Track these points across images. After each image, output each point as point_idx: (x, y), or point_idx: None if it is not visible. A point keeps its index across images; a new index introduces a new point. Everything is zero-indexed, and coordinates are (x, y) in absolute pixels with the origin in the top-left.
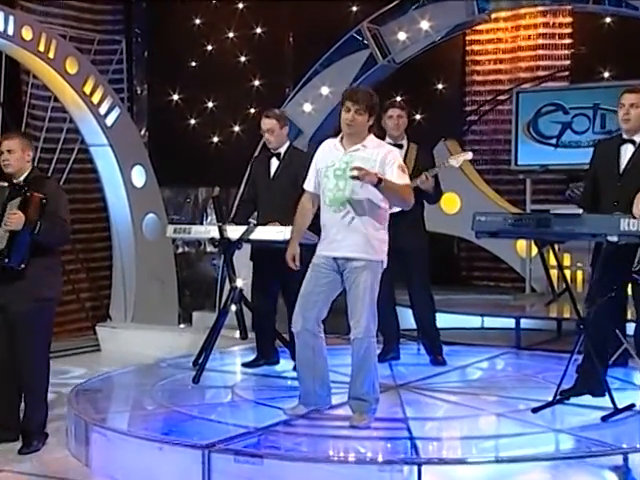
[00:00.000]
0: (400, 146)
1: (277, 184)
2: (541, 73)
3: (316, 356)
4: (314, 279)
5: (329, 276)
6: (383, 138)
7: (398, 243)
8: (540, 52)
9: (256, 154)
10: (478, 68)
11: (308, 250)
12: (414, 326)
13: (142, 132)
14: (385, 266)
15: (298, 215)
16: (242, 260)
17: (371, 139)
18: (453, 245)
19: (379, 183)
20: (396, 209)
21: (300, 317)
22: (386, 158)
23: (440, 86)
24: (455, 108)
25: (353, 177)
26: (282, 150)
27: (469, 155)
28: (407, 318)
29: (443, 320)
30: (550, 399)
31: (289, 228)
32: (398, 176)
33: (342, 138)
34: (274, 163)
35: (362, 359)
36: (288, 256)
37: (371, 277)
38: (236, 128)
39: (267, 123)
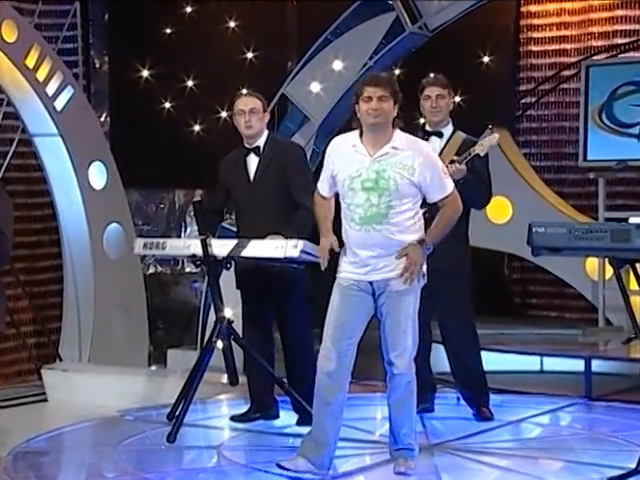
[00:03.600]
0: (439, 134)
1: (260, 188)
2: (619, 40)
3: (342, 400)
4: (347, 305)
5: (363, 300)
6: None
7: (432, 262)
8: (619, 12)
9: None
10: (536, 35)
11: (311, 268)
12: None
13: (102, 118)
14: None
15: (319, 209)
16: (231, 283)
17: (399, 135)
18: (503, 264)
19: (428, 250)
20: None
21: (335, 354)
22: (428, 165)
23: (486, 59)
24: (505, 87)
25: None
26: (261, 143)
27: (494, 138)
28: (442, 357)
29: (490, 362)
30: (632, 466)
31: (291, 242)
32: (442, 184)
33: (361, 136)
34: (253, 161)
35: (405, 398)
36: (324, 248)
37: (414, 301)
38: (223, 114)
39: (248, 102)
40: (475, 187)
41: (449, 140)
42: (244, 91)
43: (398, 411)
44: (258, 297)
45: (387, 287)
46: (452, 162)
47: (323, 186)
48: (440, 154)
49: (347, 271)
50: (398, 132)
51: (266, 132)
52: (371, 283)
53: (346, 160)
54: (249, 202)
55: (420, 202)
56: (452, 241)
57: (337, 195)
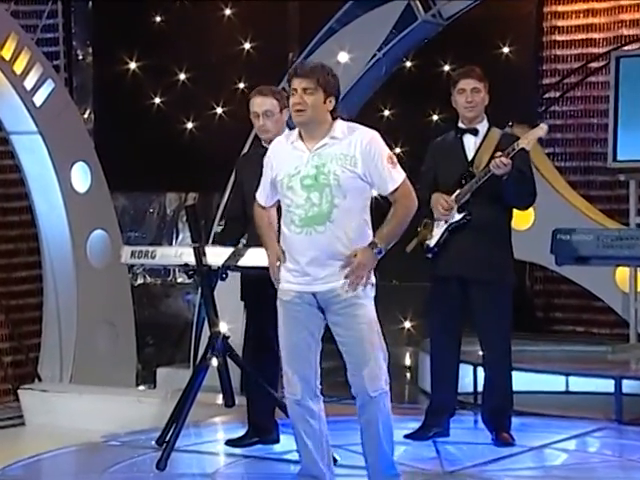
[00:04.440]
0: (474, 131)
1: None
2: None
3: (322, 424)
4: (293, 323)
5: (310, 314)
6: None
7: (469, 271)
8: None
9: (245, 151)
10: (561, 23)
11: None
12: (469, 388)
13: (86, 115)
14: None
15: (259, 219)
16: (227, 295)
17: (339, 125)
18: (524, 275)
19: (378, 249)
20: (457, 216)
21: (297, 379)
22: (369, 151)
23: (506, 50)
24: (527, 80)
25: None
26: None
27: (543, 130)
28: (460, 377)
29: (514, 381)
30: None
31: None
32: (390, 174)
33: (300, 133)
34: None
35: (383, 422)
36: (274, 263)
37: (370, 308)
38: (219, 110)
39: (262, 103)
40: (520, 185)
41: (485, 138)
42: (260, 88)
43: (375, 443)
44: (266, 310)
45: (334, 299)
46: (493, 157)
47: (261, 194)
48: (476, 153)
49: (287, 281)
50: (339, 122)
51: (286, 131)
52: (314, 295)
53: (285, 159)
54: None
55: (370, 197)
56: (494, 248)
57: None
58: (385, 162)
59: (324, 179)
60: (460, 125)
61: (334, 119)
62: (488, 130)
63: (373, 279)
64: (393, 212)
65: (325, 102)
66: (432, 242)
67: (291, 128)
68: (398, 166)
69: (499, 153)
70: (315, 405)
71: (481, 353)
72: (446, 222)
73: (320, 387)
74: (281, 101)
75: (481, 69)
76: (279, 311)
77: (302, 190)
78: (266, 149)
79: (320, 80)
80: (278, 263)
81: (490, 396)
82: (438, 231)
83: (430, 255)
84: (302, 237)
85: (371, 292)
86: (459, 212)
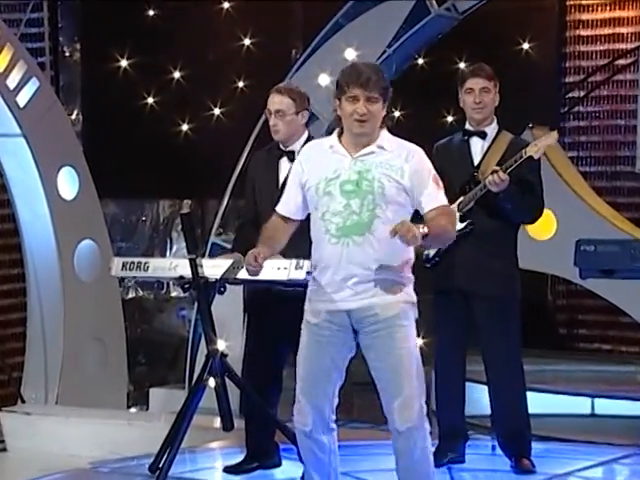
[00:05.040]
0: (482, 134)
1: None
2: None
3: (333, 457)
4: (317, 348)
5: (338, 340)
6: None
7: (471, 283)
8: None
9: (252, 149)
10: (585, 17)
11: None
12: (486, 411)
13: (73, 116)
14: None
15: (271, 227)
16: (226, 309)
17: (386, 136)
18: (546, 288)
19: (425, 236)
20: (460, 225)
21: (309, 409)
22: (418, 165)
23: (526, 46)
24: (549, 79)
25: (393, 234)
26: (297, 147)
27: (553, 137)
28: (474, 398)
29: (531, 403)
30: None
31: (295, 262)
32: (435, 196)
33: (340, 137)
34: (284, 166)
35: (415, 461)
36: (252, 253)
37: (412, 331)
38: (216, 111)
39: (275, 102)
40: (520, 200)
41: (494, 141)
42: (279, 85)
43: (400, 469)
44: (272, 326)
45: (370, 318)
46: (494, 172)
47: (285, 205)
48: (483, 158)
49: (316, 300)
50: (385, 133)
51: (305, 134)
52: (348, 314)
53: (321, 162)
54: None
55: (409, 216)
56: (497, 260)
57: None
58: (432, 181)
59: (367, 186)
60: (467, 127)
61: (381, 127)
62: (497, 133)
63: (414, 297)
64: (438, 220)
65: (383, 109)
66: (432, 251)
67: (310, 132)
68: (442, 188)
69: (496, 168)
70: (326, 437)
71: (486, 372)
72: None
73: (334, 417)
74: (298, 102)
75: (499, 67)
76: (303, 333)
77: (341, 196)
78: (282, 151)
79: (383, 88)
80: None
81: (503, 419)
82: None
83: (429, 265)
84: (338, 248)
85: (412, 313)
86: (462, 220)
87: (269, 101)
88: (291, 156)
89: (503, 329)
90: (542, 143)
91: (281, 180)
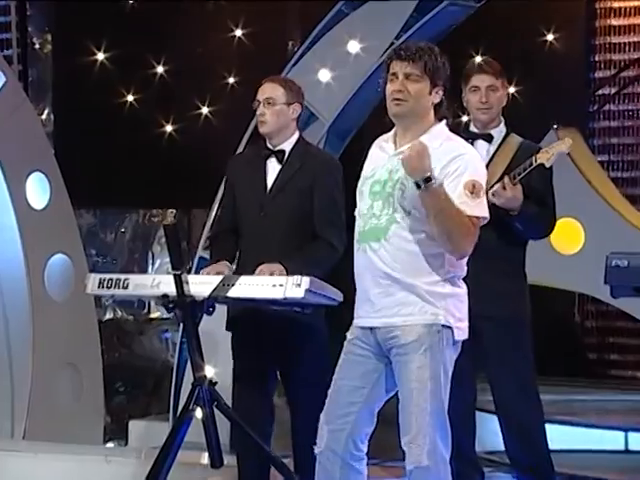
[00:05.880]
0: (488, 138)
1: (277, 204)
2: None
3: None
4: (346, 366)
5: (368, 361)
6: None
7: (475, 304)
8: None
9: (240, 150)
10: (617, 4)
11: (326, 315)
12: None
13: (44, 115)
14: (465, 337)
15: None
16: (215, 332)
17: (439, 131)
18: (572, 308)
19: (424, 185)
20: None
21: (325, 431)
22: (453, 164)
23: (550, 37)
24: (576, 74)
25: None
26: (287, 147)
27: (566, 144)
28: (490, 431)
29: (557, 437)
30: None
31: (294, 279)
32: (462, 199)
33: (396, 132)
34: (272, 167)
35: None
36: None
37: (433, 359)
38: (204, 109)
39: (267, 90)
40: (530, 214)
41: (500, 145)
42: (271, 76)
43: None
44: (258, 349)
45: (391, 340)
46: (506, 172)
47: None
48: (488, 163)
49: (355, 317)
50: (440, 126)
51: (296, 134)
52: (373, 332)
53: (370, 161)
54: (259, 221)
55: None
56: (504, 277)
57: None
58: (462, 184)
59: (390, 187)
60: (472, 129)
61: (438, 119)
62: (505, 137)
63: (446, 317)
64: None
65: (431, 93)
66: None
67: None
68: (479, 200)
69: (506, 178)
70: (339, 470)
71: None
72: None
73: (360, 452)
74: (290, 93)
75: (520, 61)
76: (344, 351)
77: (368, 197)
78: (270, 151)
79: (428, 65)
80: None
81: (518, 455)
82: None
83: None
84: (360, 256)
85: (438, 338)
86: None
87: (259, 91)
88: (280, 156)
89: (513, 354)
90: (554, 150)
91: (269, 183)
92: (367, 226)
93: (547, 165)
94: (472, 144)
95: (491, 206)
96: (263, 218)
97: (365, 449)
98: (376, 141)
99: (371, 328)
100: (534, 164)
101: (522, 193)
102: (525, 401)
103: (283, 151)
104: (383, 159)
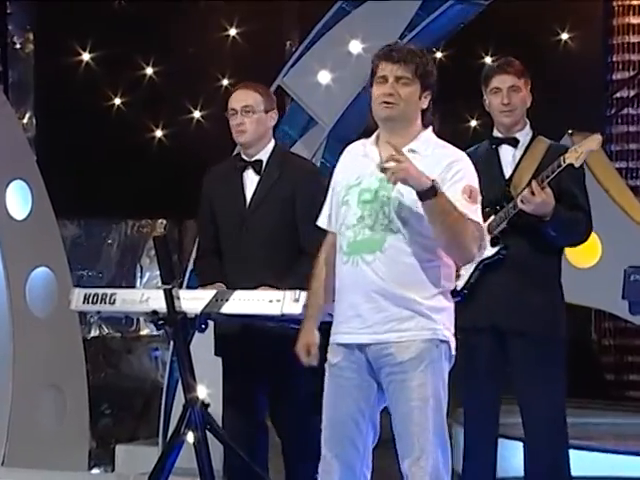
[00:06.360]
0: (514, 142)
1: (258, 218)
2: None
3: None
4: (339, 393)
5: (361, 381)
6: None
7: (506, 319)
8: None
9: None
10: (636, 2)
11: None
12: (520, 472)
13: (25, 119)
14: (453, 354)
15: (315, 278)
16: (208, 351)
17: (427, 137)
18: (589, 325)
19: (430, 193)
20: (491, 251)
21: (337, 466)
22: (449, 169)
23: (565, 36)
24: (592, 76)
25: (382, 170)
26: (264, 156)
27: (596, 141)
28: (506, 456)
29: (574, 463)
30: None
31: (292, 294)
32: (460, 204)
33: (378, 137)
34: (250, 180)
35: None
36: (301, 346)
37: (434, 377)
38: (196, 113)
39: (242, 98)
40: (563, 219)
41: (527, 149)
42: (243, 83)
43: None
44: (247, 370)
45: (385, 358)
46: (528, 185)
47: (325, 217)
48: (515, 169)
49: (336, 333)
50: (427, 133)
51: (272, 142)
52: (363, 350)
53: (349, 166)
54: (240, 237)
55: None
56: (538, 291)
57: None
58: (460, 189)
59: (384, 195)
60: (495, 134)
61: (424, 126)
62: (532, 140)
63: (444, 333)
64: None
65: (420, 98)
66: (460, 283)
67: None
68: (477, 206)
69: (533, 182)
70: None
71: (524, 426)
72: None
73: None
74: (267, 99)
75: (533, 62)
76: (326, 375)
77: (357, 206)
78: (246, 162)
79: (419, 69)
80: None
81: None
82: (467, 268)
83: (456, 299)
84: (348, 268)
85: (438, 353)
86: (493, 245)
87: (232, 99)
88: (258, 167)
89: (545, 374)
90: (583, 148)
91: (248, 196)
92: (359, 237)
93: (577, 165)
94: (496, 149)
95: (522, 213)
96: (245, 234)
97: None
98: (351, 147)
99: (360, 345)
100: (563, 165)
101: (553, 197)
102: (554, 426)
103: (260, 161)
104: (369, 166)
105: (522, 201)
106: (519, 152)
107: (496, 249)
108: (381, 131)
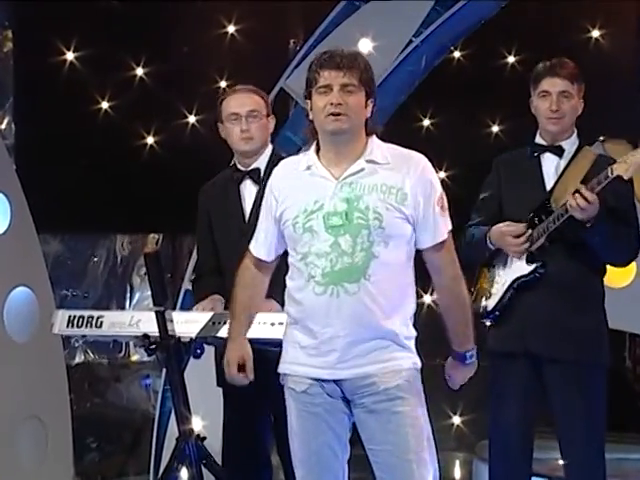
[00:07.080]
0: (559, 150)
1: None
2: None
3: None
4: (312, 423)
5: (334, 408)
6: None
7: (543, 344)
8: None
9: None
10: None
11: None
12: None
13: (3, 126)
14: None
15: (239, 288)
16: (204, 379)
17: (377, 146)
18: (623, 351)
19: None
20: (527, 268)
21: None
22: (424, 185)
23: (596, 34)
24: (627, 77)
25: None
26: (261, 164)
27: None
28: None
29: None
30: None
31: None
32: (437, 223)
33: (319, 154)
34: (249, 191)
35: None
36: (231, 360)
37: (420, 400)
38: (191, 118)
39: (245, 102)
40: (613, 232)
41: (572, 160)
42: (238, 86)
43: None
44: (250, 400)
45: (367, 388)
46: (576, 191)
47: (258, 243)
48: (557, 181)
49: (300, 363)
50: (375, 140)
51: (269, 147)
52: (339, 384)
53: (298, 189)
54: (241, 252)
55: (413, 252)
56: (579, 314)
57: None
58: (436, 204)
59: (360, 218)
60: (538, 141)
61: (368, 134)
62: (578, 150)
63: (417, 362)
64: (455, 299)
65: (366, 106)
66: (491, 303)
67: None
68: (447, 212)
69: (582, 187)
70: None
71: (561, 462)
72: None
73: None
74: (268, 105)
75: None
76: (289, 405)
77: (327, 232)
78: (243, 173)
79: (363, 75)
80: (236, 365)
81: None
82: (500, 287)
83: (489, 322)
84: (325, 300)
85: (418, 381)
86: (529, 263)
87: (233, 102)
88: (256, 176)
89: (585, 405)
90: (634, 159)
91: (247, 210)
92: (337, 266)
93: (626, 177)
94: (538, 158)
95: (561, 227)
96: (245, 248)
97: None
98: (282, 167)
99: (336, 380)
100: (610, 176)
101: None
102: (594, 462)
103: (258, 170)
104: (325, 187)
105: (571, 207)
106: (563, 162)
107: (533, 267)
108: (325, 144)
